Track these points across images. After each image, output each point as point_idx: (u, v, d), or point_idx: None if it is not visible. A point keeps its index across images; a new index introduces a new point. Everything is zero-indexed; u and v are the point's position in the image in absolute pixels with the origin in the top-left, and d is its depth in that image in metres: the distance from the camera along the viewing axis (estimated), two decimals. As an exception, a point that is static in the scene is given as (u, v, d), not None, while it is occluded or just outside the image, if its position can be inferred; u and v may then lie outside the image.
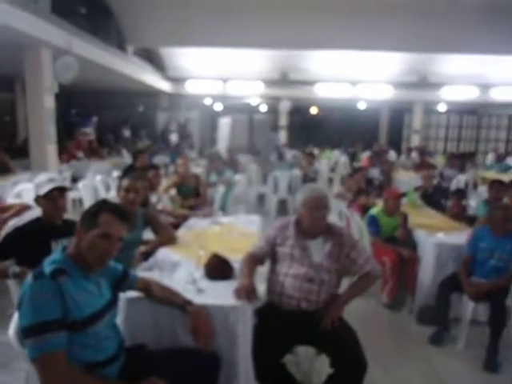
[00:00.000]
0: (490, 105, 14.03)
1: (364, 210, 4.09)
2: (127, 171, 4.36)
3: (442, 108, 14.86)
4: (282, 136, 13.57)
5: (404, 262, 3.54)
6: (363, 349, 2.03)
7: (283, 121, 13.65)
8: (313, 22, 8.48)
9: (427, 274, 3.34)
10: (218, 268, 2.17)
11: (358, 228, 3.82)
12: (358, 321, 3.29)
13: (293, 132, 14.34)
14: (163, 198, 3.64)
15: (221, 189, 4.77)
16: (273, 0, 7.32)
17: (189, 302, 1.81)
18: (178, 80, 12.52)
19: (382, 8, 7.53)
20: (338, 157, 11.21)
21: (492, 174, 8.21)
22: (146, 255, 2.53)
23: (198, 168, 7.45)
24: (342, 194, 4.89)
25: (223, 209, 4.79)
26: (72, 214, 4.02)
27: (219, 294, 1.98)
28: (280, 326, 2.09)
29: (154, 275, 2.12)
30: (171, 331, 1.87)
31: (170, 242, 2.71)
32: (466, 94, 12.84)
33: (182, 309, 1.80)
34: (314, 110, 16.70)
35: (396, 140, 15.38)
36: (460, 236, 3.31)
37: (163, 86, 12.07)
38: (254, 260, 2.26)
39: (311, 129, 16.43)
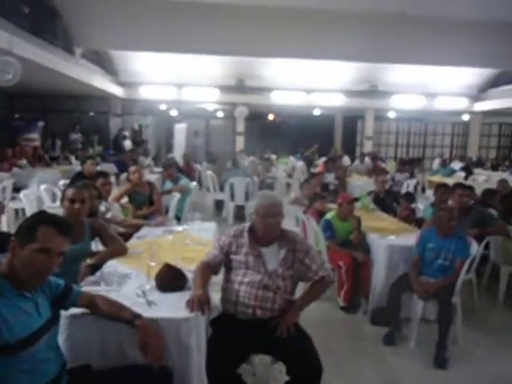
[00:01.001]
0: (435, 113, 14.90)
1: (320, 215, 4.14)
2: (74, 179, 4.16)
3: (391, 115, 15.59)
4: (240, 142, 13.58)
5: (358, 265, 3.62)
6: (318, 354, 2.03)
7: (240, 127, 13.68)
8: (268, 31, 8.58)
9: (380, 276, 3.43)
10: (169, 279, 2.08)
11: (314, 233, 3.86)
12: (315, 325, 3.32)
13: (250, 138, 14.40)
14: (113, 207, 3.48)
15: (176, 196, 4.65)
16: (228, 7, 7.33)
17: (137, 316, 1.72)
18: (131, 84, 12.18)
19: (335, 19, 7.77)
20: (294, 162, 11.38)
21: (438, 178, 8.67)
22: (94, 268, 2.39)
23: (153, 175, 7.27)
24: (299, 199, 4.93)
25: (179, 217, 4.67)
26: (14, 227, 3.75)
27: (171, 306, 1.90)
28: (235, 335, 2.05)
29: (100, 289, 2.00)
30: (119, 348, 1.77)
31: (119, 253, 2.58)
32: (414, 102, 13.54)
33: (130, 324, 1.70)
34: (271, 117, 16.90)
35: (350, 146, 15.89)
36: (410, 238, 3.43)
37: (115, 90, 11.69)
38: (207, 269, 2.20)
39: (269, 135, 16.59)
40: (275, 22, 8.20)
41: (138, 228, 3.29)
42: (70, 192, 2.55)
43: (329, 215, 3.89)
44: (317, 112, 15.38)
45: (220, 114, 15.98)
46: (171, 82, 12.19)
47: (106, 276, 2.19)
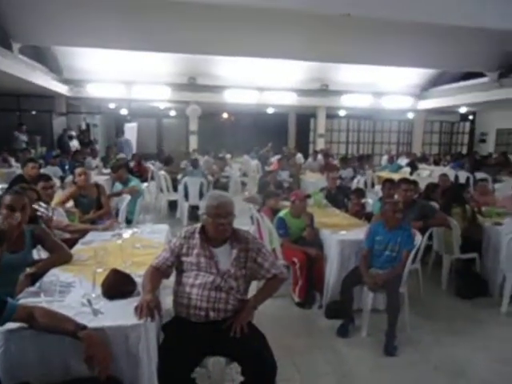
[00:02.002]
0: (382, 111, 15.58)
1: (274, 212, 4.17)
2: (13, 183, 3.88)
3: (342, 114, 16.09)
4: (193, 141, 13.39)
5: (312, 261, 3.68)
6: (272, 352, 2.03)
7: (193, 126, 13.48)
8: (219, 29, 8.51)
9: (333, 270, 3.52)
10: (116, 285, 1.99)
11: (268, 231, 3.88)
12: (271, 322, 3.36)
13: (204, 137, 14.26)
14: (57, 212, 3.28)
15: (126, 199, 4.48)
16: (179, 4, 7.15)
17: (81, 327, 1.62)
18: (76, 82, 11.58)
19: (284, 18, 7.85)
20: (248, 161, 11.40)
21: (386, 174, 9.05)
22: (34, 278, 2.23)
23: (101, 177, 6.98)
24: (253, 197, 4.94)
25: (130, 220, 4.51)
26: None
27: (119, 314, 1.82)
28: (188, 339, 2.01)
29: (40, 301, 1.87)
30: (62, 362, 1.67)
31: (62, 260, 2.44)
32: (363, 101, 14.06)
33: (74, 336, 1.61)
34: (225, 115, 16.82)
35: (303, 143, 16.22)
36: (360, 232, 3.54)
37: (58, 87, 11.07)
38: (157, 273, 2.14)
39: (223, 134, 16.51)
40: (227, 20, 8.14)
41: (84, 233, 3.13)
42: (8, 198, 2.36)
43: (282, 213, 3.92)
44: (270, 110, 15.52)
45: (173, 113, 15.67)
46: (120, 79, 11.75)
47: (46, 286, 2.05)
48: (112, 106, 14.15)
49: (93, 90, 11.76)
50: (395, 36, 9.11)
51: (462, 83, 12.78)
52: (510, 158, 11.24)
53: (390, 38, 9.21)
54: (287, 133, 17.24)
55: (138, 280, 2.11)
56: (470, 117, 17.05)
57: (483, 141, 16.71)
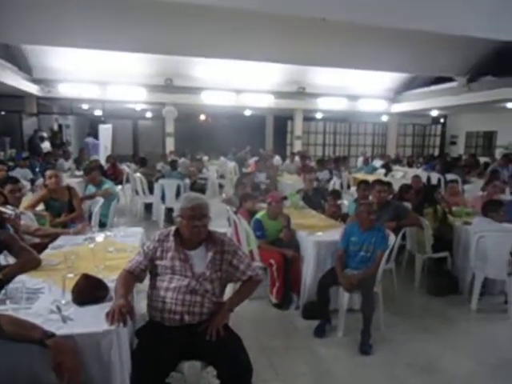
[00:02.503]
0: (358, 114, 15.87)
1: (251, 214, 4.17)
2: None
3: (319, 116, 16.28)
4: (170, 143, 13.23)
5: (289, 262, 3.70)
6: (248, 354, 2.02)
7: (170, 128, 13.32)
8: (196, 30, 8.45)
9: (309, 271, 3.55)
10: (87, 291, 1.94)
11: (245, 233, 3.87)
12: (248, 324, 3.36)
13: (181, 139, 14.12)
14: (25, 216, 3.17)
15: (100, 201, 4.37)
16: (154, 4, 7.05)
17: (49, 335, 1.57)
18: (47, 82, 11.23)
19: (260, 20, 7.88)
20: (225, 163, 11.37)
21: (361, 175, 9.21)
22: (0, 285, 2.14)
23: (74, 179, 6.79)
24: (230, 199, 4.92)
25: (104, 223, 4.40)
26: None
27: (89, 321, 1.77)
28: (162, 344, 1.97)
29: (6, 308, 1.80)
30: (29, 373, 1.61)
31: (30, 266, 2.35)
32: (338, 103, 14.28)
33: (41, 344, 1.55)
34: (202, 117, 16.72)
35: (281, 145, 16.31)
36: (336, 233, 3.58)
37: (29, 87, 10.71)
38: (130, 277, 2.10)
39: (200, 136, 16.40)
40: (203, 21, 8.09)
41: (54, 237, 3.03)
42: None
43: (259, 215, 3.93)
44: (248, 112, 15.54)
45: (149, 115, 15.45)
46: (94, 79, 11.48)
47: (12, 293, 1.97)
48: (85, 106, 13.82)
49: (65, 90, 11.44)
50: (370, 40, 9.30)
51: (433, 87, 13.19)
52: (479, 159, 11.65)
53: (364, 42, 9.39)
54: (265, 135, 17.30)
55: (111, 285, 2.07)
56: (442, 120, 17.60)
57: (454, 143, 17.27)
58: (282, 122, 16.41)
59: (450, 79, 12.24)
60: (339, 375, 2.74)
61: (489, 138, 15.53)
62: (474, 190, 6.95)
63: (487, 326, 3.46)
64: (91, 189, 4.83)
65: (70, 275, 2.14)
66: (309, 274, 3.55)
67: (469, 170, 9.55)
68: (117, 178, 7.93)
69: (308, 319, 3.42)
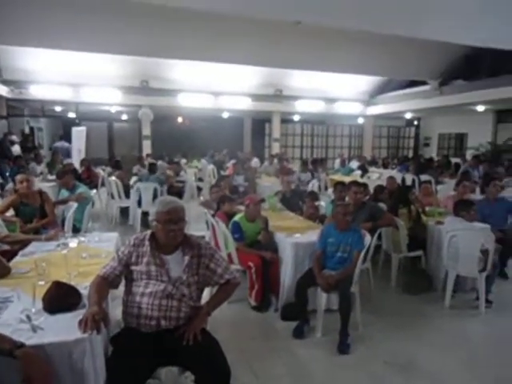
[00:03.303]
0: (334, 116, 16.12)
1: (229, 217, 4.15)
2: None
3: (296, 118, 16.44)
4: (147, 146, 13.06)
5: (267, 264, 3.70)
6: (226, 358, 2.01)
7: (146, 130, 13.14)
8: (171, 32, 8.39)
9: (288, 273, 3.56)
10: (59, 298, 1.88)
11: (223, 236, 3.85)
12: (227, 327, 3.35)
13: (158, 142, 13.96)
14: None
15: (73, 206, 4.26)
16: (129, 4, 6.95)
17: (18, 345, 1.51)
18: (18, 83, 10.89)
19: (237, 24, 7.90)
20: (205, 165, 11.31)
21: (338, 177, 9.33)
22: (-34, 294, 2.05)
23: (47, 184, 6.60)
24: (208, 202, 4.89)
25: (77, 228, 4.29)
26: None
27: (61, 329, 1.72)
28: (138, 350, 1.94)
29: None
30: (-3, 385, 1.54)
31: (-1, 274, 2.27)
32: (315, 106, 14.47)
33: (10, 354, 1.49)
34: (180, 119, 16.59)
35: (259, 148, 16.37)
36: (314, 234, 3.61)
37: (-3, 89, 10.39)
38: (104, 283, 2.05)
39: (178, 138, 16.26)
40: (179, 23, 8.05)
41: (25, 244, 2.93)
42: None
43: (237, 217, 3.92)
44: (226, 115, 15.53)
45: (124, 117, 15.22)
46: (67, 81, 11.22)
47: (-21, 303, 1.89)
48: (58, 108, 13.47)
49: (36, 92, 11.13)
50: (345, 44, 9.47)
51: (407, 90, 13.54)
52: (451, 160, 12.01)
53: (340, 46, 9.56)
54: (243, 137, 17.32)
55: (84, 292, 2.02)
56: (415, 122, 18.08)
57: (427, 145, 17.76)
58: (260, 124, 16.49)
59: (423, 83, 12.61)
60: (318, 376, 2.76)
61: (460, 139, 16.05)
62: (446, 190, 7.15)
63: (460, 322, 3.55)
64: (64, 193, 4.70)
65: (41, 283, 2.08)
66: (287, 275, 3.56)
67: (441, 171, 9.81)
68: (91, 181, 7.76)
69: (287, 320, 3.43)
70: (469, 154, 12.97)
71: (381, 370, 2.81)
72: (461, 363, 2.90)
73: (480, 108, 12.75)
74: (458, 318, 3.63)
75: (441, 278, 4.07)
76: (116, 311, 2.41)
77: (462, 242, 3.73)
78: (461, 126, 15.48)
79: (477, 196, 5.71)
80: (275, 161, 11.31)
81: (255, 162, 12.27)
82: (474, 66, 11.10)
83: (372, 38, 8.15)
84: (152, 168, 7.25)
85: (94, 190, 6.91)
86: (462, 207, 3.92)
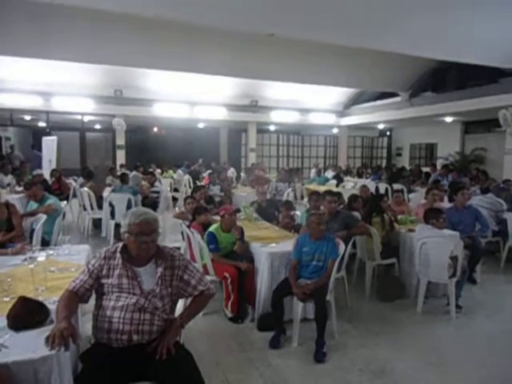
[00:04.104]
0: (309, 126, 16.37)
1: (204, 227, 4.12)
2: None
3: (272, 128, 16.59)
4: (121, 156, 12.83)
5: (243, 274, 3.69)
6: (200, 371, 1.98)
7: (121, 140, 12.92)
8: (145, 41, 8.35)
9: (264, 283, 3.55)
10: (25, 315, 1.80)
11: (198, 247, 3.82)
12: (203, 339, 3.31)
13: (133, 152, 13.75)
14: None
15: (42, 218, 4.12)
16: (103, 14, 6.87)
17: (-20, 366, 1.44)
18: (-17, 92, 10.55)
19: (214, 35, 7.96)
20: (181, 176, 11.22)
21: (314, 186, 9.46)
22: None
23: (14, 195, 6.37)
24: (183, 213, 4.83)
25: (47, 241, 4.14)
26: None
27: (26, 347, 1.65)
28: (110, 366, 1.88)
29: None
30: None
31: (-40, 291, 2.16)
32: (291, 116, 14.67)
33: (-30, 376, 1.42)
34: (155, 129, 16.43)
35: (235, 157, 16.39)
36: (289, 244, 3.63)
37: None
38: (74, 298, 1.98)
39: (153, 148, 16.09)
40: (154, 33, 8.02)
41: (-11, 258, 2.81)
42: None
43: (212, 228, 3.89)
44: (202, 125, 15.50)
45: (98, 126, 14.94)
46: (37, 90, 10.94)
47: None
48: (27, 117, 13.10)
49: (4, 101, 10.78)
50: (319, 56, 9.68)
51: (379, 102, 13.93)
52: (422, 170, 12.39)
53: (314, 58, 9.76)
54: (219, 147, 17.31)
55: (52, 307, 1.94)
56: (388, 133, 18.60)
57: (399, 154, 18.27)
58: (236, 134, 16.54)
59: (394, 94, 13.01)
60: (294, 386, 2.75)
61: (430, 149, 16.60)
62: (418, 198, 7.35)
63: (432, 328, 3.63)
64: (33, 205, 4.54)
65: (6, 299, 2.00)
66: (263, 285, 3.56)
67: (413, 180, 10.11)
68: (62, 192, 7.54)
69: (263, 331, 3.42)
70: (439, 164, 13.43)
71: (356, 377, 2.83)
72: (433, 367, 2.96)
73: (448, 119, 13.26)
74: (429, 324, 3.71)
75: (413, 285, 4.16)
76: (86, 326, 2.34)
77: (433, 249, 3.83)
78: (431, 137, 16.03)
79: (446, 204, 5.90)
80: (256, 172, 11.28)
81: (231, 171, 12.28)
82: (442, 78, 11.57)
83: (345, 50, 8.38)
84: (123, 178, 7.10)
85: (65, 202, 6.71)
86: (431, 215, 4.04)
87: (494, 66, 8.76)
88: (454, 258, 3.74)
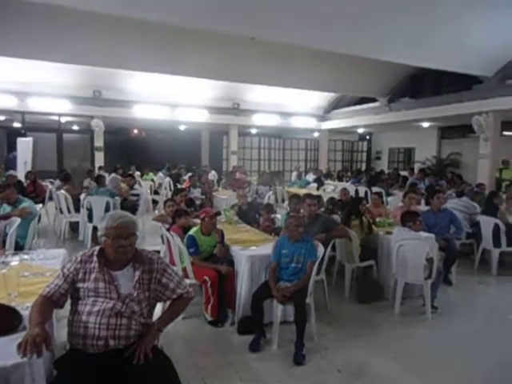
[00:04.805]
0: (291, 130, 16.48)
1: (184, 230, 4.09)
2: None
3: (254, 131, 16.63)
4: (99, 158, 12.60)
5: (223, 278, 3.67)
6: (178, 376, 1.96)
7: (99, 142, 12.69)
8: (126, 43, 8.25)
9: (244, 286, 3.55)
10: (-4, 321, 1.75)
11: (178, 250, 3.78)
12: (182, 343, 3.28)
13: (113, 154, 13.53)
14: None
15: (16, 222, 4.00)
16: (81, 13, 6.75)
17: None
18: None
19: (195, 37, 7.93)
20: (162, 178, 11.11)
21: (295, 190, 9.52)
22: None
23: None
24: (162, 216, 4.79)
25: (21, 246, 4.02)
26: None
27: (-3, 354, 1.59)
28: (85, 373, 1.84)
29: None
30: None
31: None
32: (272, 120, 14.75)
33: None
34: (135, 131, 16.22)
35: (217, 160, 16.34)
36: (269, 247, 3.63)
37: None
38: (48, 303, 1.94)
39: (133, 150, 15.86)
40: (134, 34, 7.93)
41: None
42: None
43: (192, 231, 3.87)
44: (183, 127, 15.40)
45: (76, 128, 14.63)
46: (12, 89, 10.65)
47: None
48: (1, 117, 12.72)
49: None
50: (301, 61, 9.78)
51: (359, 107, 14.17)
52: (401, 173, 12.65)
53: (296, 62, 9.85)
54: (200, 149, 17.22)
55: (25, 313, 1.89)
56: (367, 137, 18.92)
57: (378, 158, 18.61)
58: (217, 137, 16.48)
59: (373, 99, 13.26)
60: (273, 388, 2.76)
61: (408, 153, 16.99)
62: (396, 201, 7.50)
63: (408, 328, 3.71)
64: (6, 208, 4.40)
65: (-24, 305, 1.92)
66: (243, 288, 3.55)
67: (392, 183, 10.31)
68: (38, 195, 7.35)
69: (243, 334, 3.41)
70: (416, 168, 13.74)
71: (334, 379, 2.86)
72: (409, 367, 3.02)
73: (425, 124, 13.61)
74: (406, 325, 3.78)
75: (391, 286, 4.24)
76: (62, 332, 2.29)
77: (409, 251, 3.91)
78: (409, 141, 16.40)
79: (423, 207, 6.03)
80: (237, 175, 11.27)
81: (212, 174, 12.23)
82: (419, 84, 11.88)
83: (325, 55, 8.50)
84: (99, 180, 6.95)
85: (41, 205, 6.54)
86: (408, 218, 4.12)
87: (469, 73, 9.07)
88: (429, 260, 3.83)
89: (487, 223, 5.36)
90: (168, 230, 4.06)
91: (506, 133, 11.41)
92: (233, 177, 10.44)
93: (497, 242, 5.26)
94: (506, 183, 9.60)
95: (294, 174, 13.64)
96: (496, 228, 5.24)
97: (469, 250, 5.80)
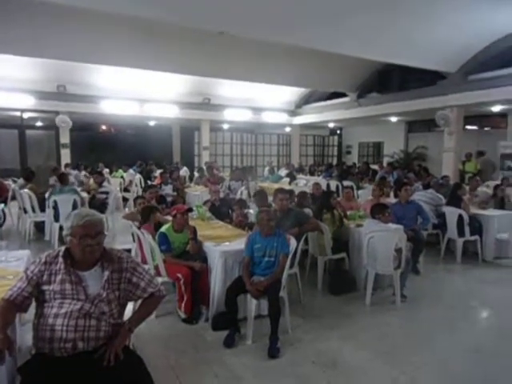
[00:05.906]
0: (263, 125, 16.50)
1: (156, 227, 4.02)
2: None
3: (225, 127, 16.52)
4: (65, 155, 12.15)
5: (197, 274, 3.64)
6: (151, 376, 1.92)
7: (65, 138, 12.23)
8: (91, 35, 7.96)
9: (217, 282, 3.53)
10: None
11: (149, 248, 3.72)
12: (155, 343, 3.23)
13: (80, 151, 13.08)
14: None
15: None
16: (43, 4, 6.45)
17: None
18: None
19: (164, 31, 7.77)
20: (133, 175, 10.87)
21: (268, 185, 9.55)
22: None
23: None
24: (132, 214, 4.68)
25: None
26: None
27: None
28: (52, 378, 1.78)
29: None
30: None
31: None
32: (244, 115, 14.69)
33: None
34: (103, 127, 15.76)
35: (189, 156, 16.15)
36: (242, 242, 3.63)
37: None
38: (10, 307, 1.85)
39: (102, 147, 15.42)
40: (101, 26, 7.67)
41: None
42: None
43: (164, 228, 3.81)
44: (153, 123, 15.09)
45: (39, 124, 14.05)
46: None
47: None
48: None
49: None
50: (271, 56, 9.78)
51: (329, 102, 14.34)
52: (371, 167, 12.94)
53: (266, 57, 9.84)
54: (172, 145, 16.95)
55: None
56: (338, 131, 19.23)
57: (349, 152, 18.96)
58: (189, 132, 16.28)
59: (343, 95, 13.45)
60: (248, 382, 2.76)
61: (377, 147, 17.40)
62: (367, 194, 7.66)
63: (379, 318, 3.81)
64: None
65: None
66: (217, 284, 3.53)
67: (362, 177, 10.52)
68: (0, 195, 7.02)
69: (218, 330, 3.39)
70: (385, 161, 14.09)
71: (308, 370, 2.90)
72: (381, 355, 3.10)
73: (393, 119, 13.96)
74: (377, 314, 3.88)
75: (362, 278, 4.33)
76: (26, 337, 2.20)
77: (379, 242, 4.01)
78: (378, 136, 16.79)
79: (391, 200, 6.20)
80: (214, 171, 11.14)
81: (184, 170, 12.08)
82: (387, 80, 12.15)
83: (295, 50, 8.53)
84: (62, 179, 6.69)
85: (3, 205, 6.26)
86: (377, 210, 4.22)
87: (432, 69, 9.35)
88: (398, 251, 3.94)
89: (452, 214, 5.58)
90: (139, 227, 3.98)
91: (468, 127, 11.89)
92: (211, 172, 10.32)
93: (461, 232, 5.49)
94: (469, 175, 10.01)
95: (267, 169, 13.68)
96: (460, 218, 5.46)
97: (435, 239, 6.02)
